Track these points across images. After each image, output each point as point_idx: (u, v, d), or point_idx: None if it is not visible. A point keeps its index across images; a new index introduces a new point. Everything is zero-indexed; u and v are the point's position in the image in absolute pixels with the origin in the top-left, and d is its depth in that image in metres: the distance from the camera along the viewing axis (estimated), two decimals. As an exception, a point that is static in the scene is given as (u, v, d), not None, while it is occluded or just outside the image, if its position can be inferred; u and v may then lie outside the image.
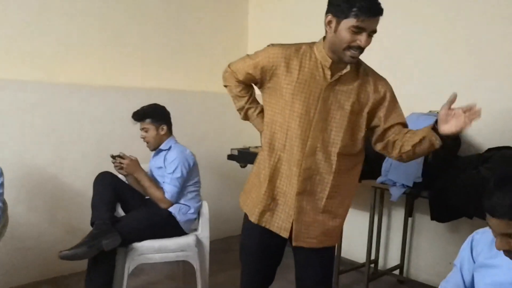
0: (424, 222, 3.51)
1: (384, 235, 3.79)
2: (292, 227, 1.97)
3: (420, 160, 2.93)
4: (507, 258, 1.45)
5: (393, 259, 3.75)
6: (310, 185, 1.94)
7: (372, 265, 3.69)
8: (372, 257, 3.55)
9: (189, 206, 3.01)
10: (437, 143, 1.90)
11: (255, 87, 2.13)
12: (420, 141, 1.91)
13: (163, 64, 4.11)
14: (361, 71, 1.95)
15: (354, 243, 3.84)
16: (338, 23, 1.78)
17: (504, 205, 1.29)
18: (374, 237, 3.47)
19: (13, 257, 3.25)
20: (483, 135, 3.15)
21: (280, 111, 1.93)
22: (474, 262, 1.59)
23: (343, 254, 3.55)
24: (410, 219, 3.58)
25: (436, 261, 3.48)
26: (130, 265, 2.78)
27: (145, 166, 3.10)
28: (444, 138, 1.88)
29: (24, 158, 3.29)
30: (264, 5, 4.64)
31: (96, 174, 2.93)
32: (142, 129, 3.05)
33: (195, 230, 3.10)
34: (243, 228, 2.13)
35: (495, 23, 3.09)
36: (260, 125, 2.11)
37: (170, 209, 2.94)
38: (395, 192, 3.06)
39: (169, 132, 3.11)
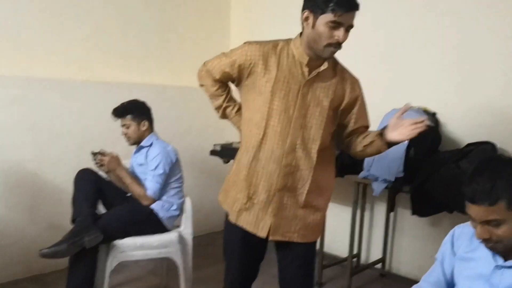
0: (405, 217, 3.55)
1: (367, 229, 3.82)
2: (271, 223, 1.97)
3: (402, 155, 2.96)
4: (486, 252, 1.47)
5: (376, 253, 3.79)
6: (291, 181, 1.95)
7: (355, 259, 3.72)
8: (355, 251, 3.58)
9: (171, 203, 2.99)
10: (383, 148, 1.98)
11: (232, 85, 2.12)
12: (370, 143, 2.00)
13: (145, 59, 4.08)
14: (338, 69, 1.97)
15: (337, 238, 3.87)
16: (315, 19, 1.80)
17: (484, 190, 1.32)
18: (356, 232, 3.49)
19: (-8, 255, 3.21)
20: (463, 130, 3.19)
21: (259, 108, 1.93)
22: (455, 255, 1.61)
23: (326, 249, 3.57)
24: (392, 214, 3.61)
25: (417, 255, 3.52)
26: (112, 262, 2.75)
27: (126, 162, 3.07)
28: (390, 143, 1.95)
29: (4, 154, 3.23)
30: (246, 1, 4.63)
31: (77, 170, 2.89)
32: (123, 125, 3.02)
33: (178, 226, 3.09)
34: (225, 225, 2.13)
35: (478, 19, 3.12)
36: (239, 123, 2.11)
37: (153, 205, 2.92)
38: (377, 187, 3.09)
39: (151, 128, 3.09)
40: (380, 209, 3.72)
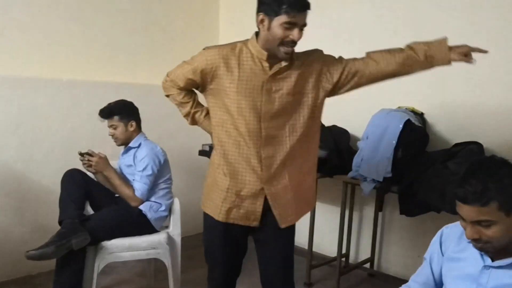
0: (394, 217, 3.57)
1: (355, 229, 3.83)
2: (271, 213, 2.04)
3: (390, 155, 2.98)
4: (474, 252, 1.48)
5: (364, 253, 3.80)
6: (274, 171, 2.01)
7: (344, 259, 3.73)
8: (344, 251, 3.59)
9: (160, 204, 2.98)
10: (427, 66, 2.04)
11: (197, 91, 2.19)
12: (410, 58, 2.03)
13: (132, 58, 4.05)
14: (299, 57, 2.02)
15: (325, 238, 3.88)
16: (270, 21, 1.86)
17: (475, 192, 1.33)
18: (345, 232, 3.51)
19: (-23, 257, 3.17)
20: (450, 131, 3.21)
21: (228, 110, 1.99)
22: (443, 255, 1.62)
23: (314, 249, 3.57)
24: (380, 214, 3.63)
25: (405, 254, 3.54)
26: (100, 264, 2.73)
27: (114, 163, 3.05)
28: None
29: (-12, 155, 3.20)
30: (235, 1, 4.62)
31: (64, 171, 2.86)
32: (110, 126, 2.99)
33: (166, 227, 3.08)
34: (206, 227, 2.19)
35: (463, 18, 3.14)
36: (209, 127, 2.17)
37: (141, 206, 2.91)
38: (366, 187, 3.10)
39: (138, 128, 3.07)
40: (369, 209, 3.73)
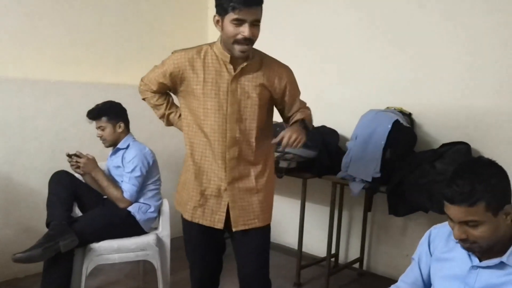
0: (383, 216, 3.58)
1: (345, 229, 3.84)
2: (229, 216, 2.09)
3: (379, 155, 2.99)
4: (462, 252, 1.49)
5: (353, 253, 3.82)
6: (238, 173, 2.08)
7: (333, 259, 3.74)
8: (333, 251, 3.60)
9: (149, 205, 2.96)
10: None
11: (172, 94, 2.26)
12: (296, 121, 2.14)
13: (121, 59, 4.02)
14: (266, 61, 2.09)
15: (314, 238, 3.89)
16: (222, 20, 1.92)
17: (463, 192, 1.34)
18: (334, 232, 3.52)
19: (-37, 260, 3.13)
20: (438, 131, 3.23)
21: (195, 110, 2.06)
22: (431, 255, 1.64)
23: (304, 249, 3.58)
24: (369, 214, 3.64)
25: (394, 254, 3.56)
26: (88, 266, 2.71)
27: (102, 164, 3.03)
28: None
29: (-25, 157, 3.16)
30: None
31: (52, 172, 2.84)
32: (98, 127, 2.97)
33: (156, 228, 3.06)
34: (182, 226, 2.24)
35: (453, 19, 3.17)
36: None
37: (130, 208, 2.89)
38: (355, 187, 3.11)
39: (127, 129, 3.05)
40: (358, 209, 3.75)
